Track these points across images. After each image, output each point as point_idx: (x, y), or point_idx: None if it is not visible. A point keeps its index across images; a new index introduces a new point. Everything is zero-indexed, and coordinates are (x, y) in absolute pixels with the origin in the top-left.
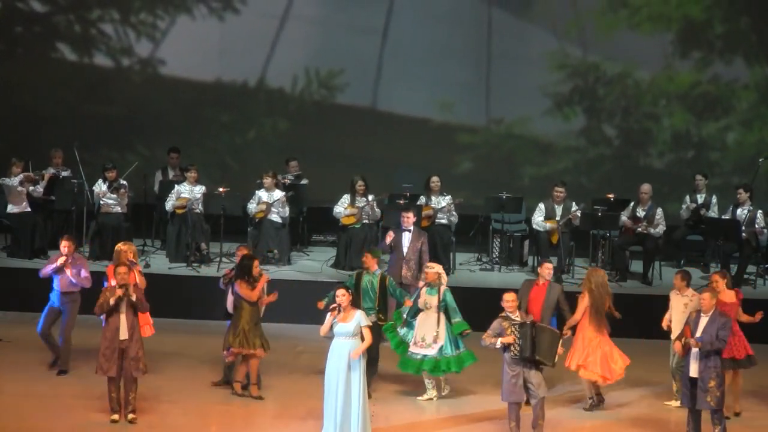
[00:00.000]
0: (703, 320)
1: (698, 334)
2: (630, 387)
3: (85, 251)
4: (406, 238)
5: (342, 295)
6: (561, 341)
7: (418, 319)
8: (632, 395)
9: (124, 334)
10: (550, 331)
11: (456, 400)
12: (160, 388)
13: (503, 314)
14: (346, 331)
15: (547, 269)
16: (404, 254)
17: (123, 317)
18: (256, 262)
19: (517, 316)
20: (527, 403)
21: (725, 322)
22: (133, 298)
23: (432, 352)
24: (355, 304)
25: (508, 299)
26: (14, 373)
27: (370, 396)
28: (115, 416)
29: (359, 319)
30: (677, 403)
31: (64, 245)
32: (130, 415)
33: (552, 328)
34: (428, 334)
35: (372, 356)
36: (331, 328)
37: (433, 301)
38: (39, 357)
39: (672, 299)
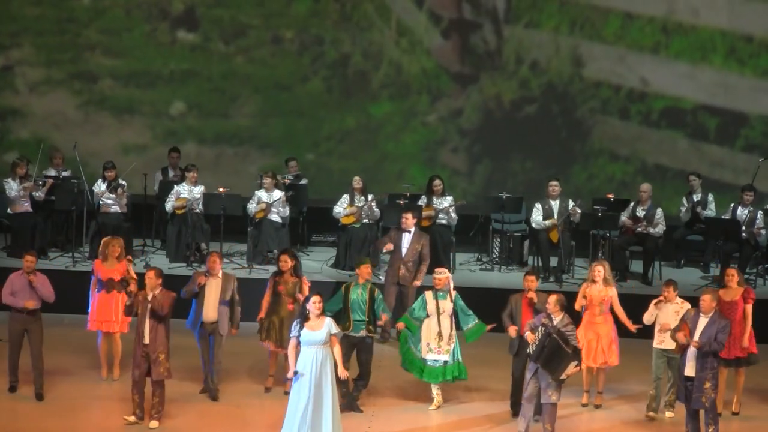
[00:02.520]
0: (702, 321)
1: (696, 335)
2: (629, 387)
3: (86, 251)
4: (406, 240)
5: (318, 302)
6: (576, 363)
7: (426, 324)
8: (631, 395)
9: (146, 338)
10: (567, 352)
11: (454, 407)
12: None
13: (548, 312)
14: (317, 340)
15: (530, 281)
16: (403, 255)
17: (146, 322)
18: (283, 257)
19: (557, 319)
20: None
21: (725, 326)
22: (148, 297)
23: (448, 357)
24: (344, 317)
25: (550, 301)
26: None
27: (360, 411)
28: (131, 417)
29: (329, 326)
30: (652, 414)
31: (29, 260)
32: (153, 422)
33: (573, 347)
34: (446, 340)
35: (364, 370)
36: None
37: (448, 305)
38: None
39: (661, 308)
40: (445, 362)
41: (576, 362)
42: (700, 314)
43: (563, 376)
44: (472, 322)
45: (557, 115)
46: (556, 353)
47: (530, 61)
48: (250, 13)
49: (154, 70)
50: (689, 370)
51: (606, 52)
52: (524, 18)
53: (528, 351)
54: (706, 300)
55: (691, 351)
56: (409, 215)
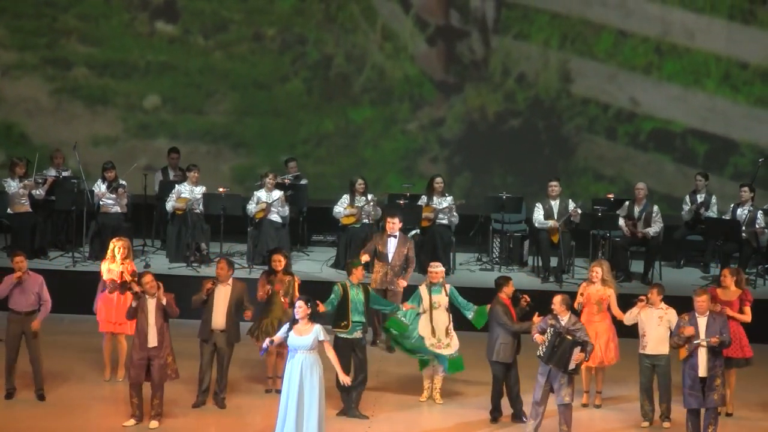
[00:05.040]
0: (702, 321)
1: (702, 335)
2: (629, 387)
3: (86, 251)
4: (392, 244)
5: (301, 307)
6: (580, 348)
7: (423, 320)
8: (631, 395)
9: (152, 342)
10: (569, 340)
11: (455, 407)
12: None
13: (554, 313)
14: (304, 345)
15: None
16: (390, 260)
17: (151, 323)
18: (277, 257)
19: (565, 319)
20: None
21: (725, 320)
22: (163, 301)
23: (449, 351)
24: (343, 317)
25: (555, 302)
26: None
27: (366, 417)
28: (131, 422)
29: (317, 333)
30: (646, 424)
31: (19, 260)
32: (153, 422)
33: (575, 336)
34: (443, 334)
35: (361, 370)
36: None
37: (443, 299)
38: None
39: (643, 313)
40: (450, 355)
41: (580, 348)
42: (697, 316)
43: (572, 366)
44: (472, 310)
45: (542, 130)
46: (568, 353)
47: (517, 74)
48: (232, 7)
49: (131, 60)
50: (702, 371)
51: (596, 70)
52: (514, 29)
53: (538, 353)
54: (704, 300)
55: (702, 353)
56: (396, 219)
